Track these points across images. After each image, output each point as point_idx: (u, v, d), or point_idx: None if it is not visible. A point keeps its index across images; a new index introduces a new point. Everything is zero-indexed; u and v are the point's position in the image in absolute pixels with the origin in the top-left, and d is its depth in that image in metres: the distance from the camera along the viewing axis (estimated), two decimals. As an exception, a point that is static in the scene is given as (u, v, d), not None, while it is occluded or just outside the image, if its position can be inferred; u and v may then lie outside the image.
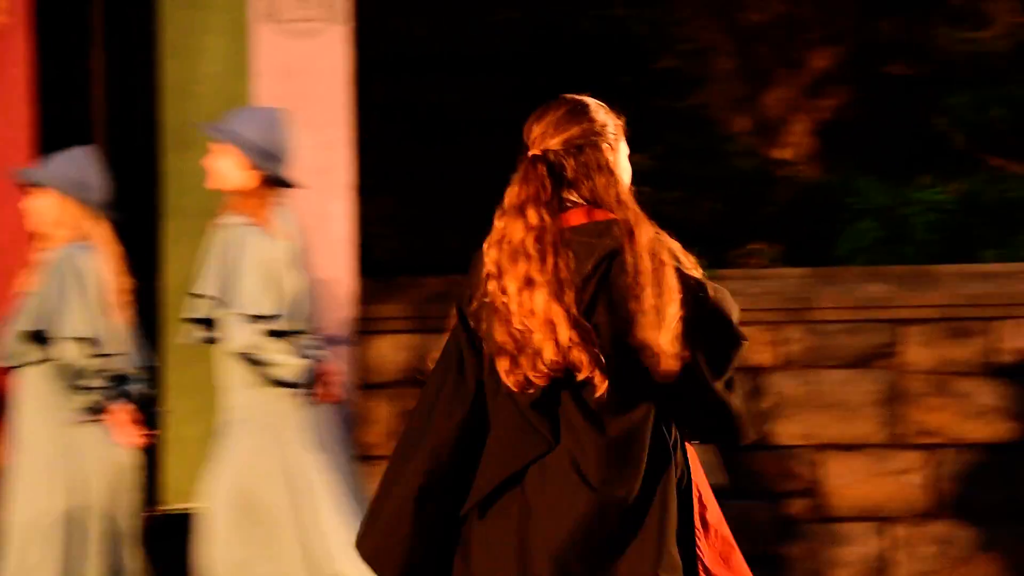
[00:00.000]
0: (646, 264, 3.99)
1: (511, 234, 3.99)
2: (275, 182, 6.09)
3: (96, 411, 6.16)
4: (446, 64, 7.74)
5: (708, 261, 7.83)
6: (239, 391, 6.08)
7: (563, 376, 3.92)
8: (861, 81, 9.26)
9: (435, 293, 7.64)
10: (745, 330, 8.26)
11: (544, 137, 4.02)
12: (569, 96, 4.14)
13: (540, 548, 3.95)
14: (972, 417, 7.80)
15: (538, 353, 3.91)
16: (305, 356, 6.06)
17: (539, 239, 3.97)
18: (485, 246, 4.05)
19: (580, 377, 3.92)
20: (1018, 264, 8.04)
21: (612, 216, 4.04)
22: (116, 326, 6.19)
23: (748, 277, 7.86)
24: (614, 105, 7.97)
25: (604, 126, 4.12)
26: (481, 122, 7.86)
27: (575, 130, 4.06)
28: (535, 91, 7.91)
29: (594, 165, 4.08)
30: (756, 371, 7.68)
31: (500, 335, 3.95)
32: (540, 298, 3.94)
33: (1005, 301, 7.84)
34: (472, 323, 4.03)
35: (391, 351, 7.63)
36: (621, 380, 3.94)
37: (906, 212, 8.12)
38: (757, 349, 7.66)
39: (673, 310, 3.98)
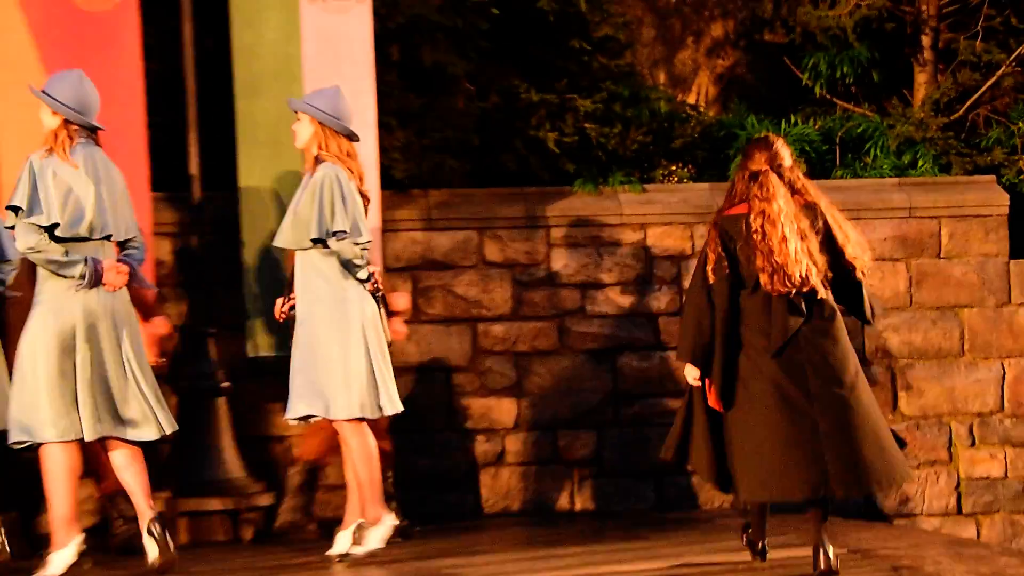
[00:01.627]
0: (837, 218, 5.59)
1: (769, 211, 5.47)
2: (348, 136, 5.94)
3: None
4: (441, 31, 7.63)
5: (639, 178, 7.88)
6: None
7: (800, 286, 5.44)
8: (748, 46, 9.22)
9: (438, 202, 7.60)
10: (666, 228, 8.20)
11: (778, 158, 5.61)
12: (773, 136, 5.77)
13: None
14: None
15: (789, 276, 5.42)
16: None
17: (788, 214, 5.48)
18: (752, 217, 5.48)
19: (807, 288, 5.44)
20: (861, 180, 8.05)
21: (810, 198, 5.59)
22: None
23: (667, 190, 7.82)
24: (568, 63, 7.75)
25: (790, 153, 5.70)
26: (467, 75, 7.78)
27: (790, 151, 5.68)
28: (506, 53, 7.90)
29: (796, 173, 5.63)
30: (677, 258, 7.66)
31: (761, 262, 5.44)
32: (793, 244, 5.43)
33: (852, 207, 7.76)
34: (736, 253, 5.50)
35: (407, 245, 7.57)
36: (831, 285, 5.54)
37: (780, 142, 8.09)
38: (677, 242, 7.66)
39: (854, 238, 5.60)
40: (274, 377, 6.76)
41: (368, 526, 5.90)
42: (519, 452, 7.58)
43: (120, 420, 5.55)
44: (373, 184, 7.03)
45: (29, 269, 5.81)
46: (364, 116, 6.99)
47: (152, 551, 5.57)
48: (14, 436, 5.54)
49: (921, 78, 8.68)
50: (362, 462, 5.87)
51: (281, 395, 6.13)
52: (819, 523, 5.39)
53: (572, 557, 5.96)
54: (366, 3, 6.97)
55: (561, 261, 7.65)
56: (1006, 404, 7.74)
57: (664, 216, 7.67)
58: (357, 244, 5.85)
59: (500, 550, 6.27)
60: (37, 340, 5.47)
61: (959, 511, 7.68)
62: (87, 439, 5.52)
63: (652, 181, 7.87)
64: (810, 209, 5.53)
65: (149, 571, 5.60)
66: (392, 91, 7.40)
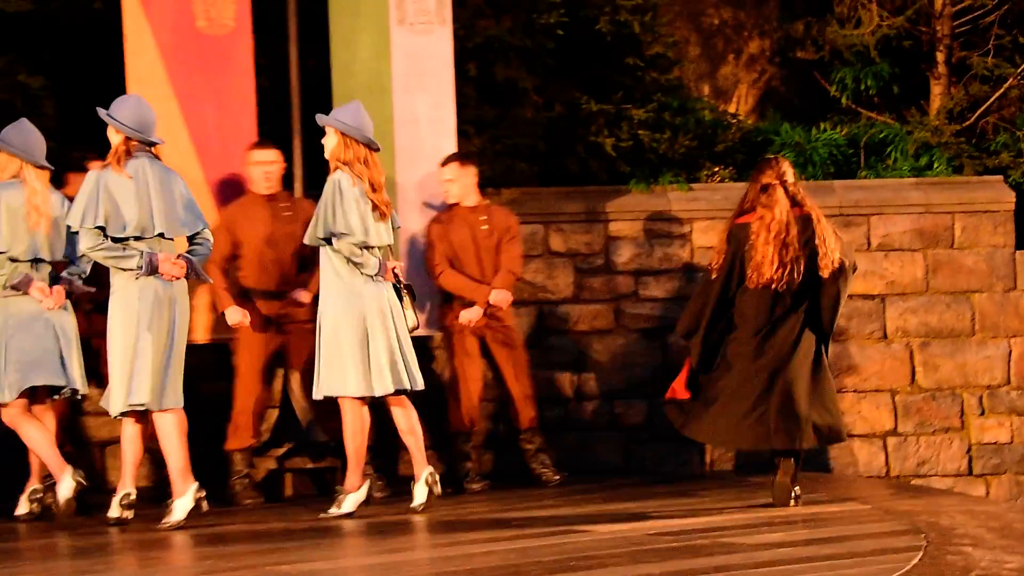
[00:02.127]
0: (825, 230, 5.98)
1: (768, 219, 5.95)
2: (367, 146, 5.90)
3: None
4: (512, 50, 7.71)
5: (686, 178, 7.94)
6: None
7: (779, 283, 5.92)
8: (782, 62, 9.22)
9: (509, 200, 7.57)
10: (709, 223, 8.27)
11: (784, 175, 6.04)
12: (780, 157, 6.19)
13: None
14: (854, 278, 7.84)
15: (762, 274, 5.90)
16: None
17: (782, 223, 5.93)
18: (753, 224, 5.96)
19: (782, 287, 5.92)
20: (883, 179, 8.01)
21: (807, 211, 6.01)
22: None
23: (710, 189, 7.83)
24: (624, 78, 7.81)
25: (793, 171, 6.12)
26: (535, 89, 7.85)
27: (793, 170, 6.09)
28: (569, 69, 7.99)
29: (798, 188, 6.05)
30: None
31: (752, 261, 5.95)
32: (770, 249, 5.91)
33: (875, 203, 7.84)
34: (741, 254, 5.98)
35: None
36: (804, 285, 5.96)
37: (812, 146, 8.07)
38: (719, 235, 7.60)
39: (834, 250, 5.94)
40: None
41: (346, 492, 5.93)
42: (579, 419, 7.63)
43: (173, 393, 5.74)
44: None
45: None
46: (445, 124, 6.99)
47: (114, 513, 5.76)
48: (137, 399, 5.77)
49: (936, 90, 8.66)
50: (353, 437, 5.93)
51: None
52: (787, 467, 6.00)
53: (625, 512, 5.96)
54: (447, 26, 7.00)
55: (617, 251, 7.71)
56: (1012, 378, 7.74)
57: (708, 212, 7.70)
58: (359, 244, 5.83)
59: (562, 504, 6.29)
60: (120, 322, 5.71)
61: (970, 472, 7.68)
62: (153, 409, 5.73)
63: (697, 181, 7.89)
64: (805, 220, 6.02)
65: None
66: (469, 103, 7.48)
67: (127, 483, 5.81)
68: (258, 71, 6.89)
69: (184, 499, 5.74)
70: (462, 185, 6.91)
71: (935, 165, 8.07)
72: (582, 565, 4.74)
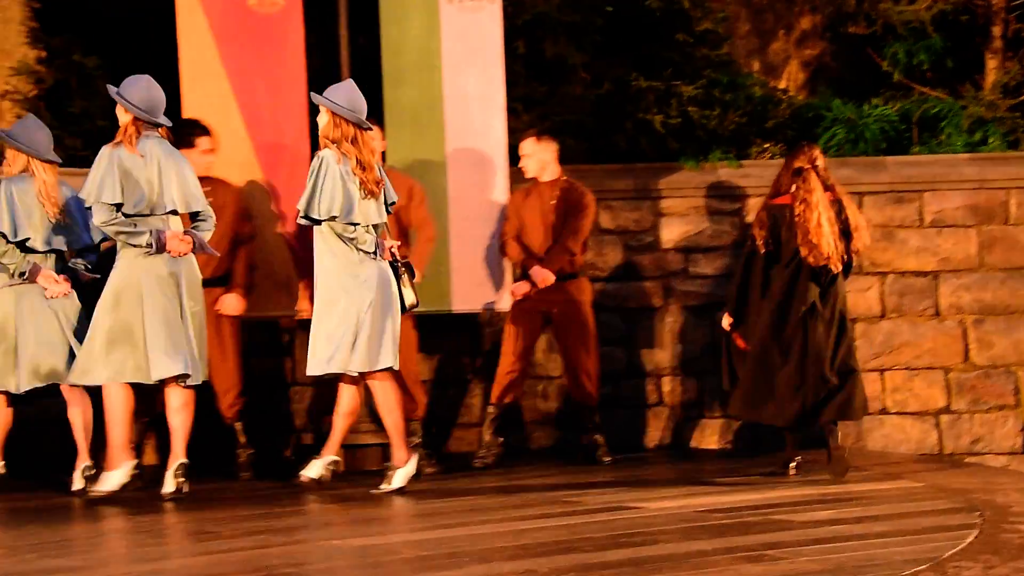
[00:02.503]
0: (854, 213, 6.32)
1: (810, 200, 6.22)
2: (358, 125, 5.85)
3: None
4: (561, 27, 7.69)
5: (736, 155, 7.90)
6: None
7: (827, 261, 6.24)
8: (833, 37, 9.13)
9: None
10: (759, 199, 8.12)
11: (815, 159, 6.31)
12: (811, 144, 6.47)
13: None
14: (906, 255, 7.77)
15: (821, 252, 6.20)
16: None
17: (823, 204, 6.23)
18: (798, 207, 6.27)
19: (830, 264, 6.23)
20: (936, 155, 7.92)
21: (837, 195, 6.32)
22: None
23: (760, 166, 7.75)
24: (673, 54, 7.76)
25: (823, 158, 6.39)
26: (584, 65, 7.81)
27: (823, 157, 6.37)
28: (618, 45, 7.95)
29: (828, 173, 6.32)
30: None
31: (801, 240, 6.20)
32: (826, 228, 6.20)
33: (928, 179, 7.77)
34: (779, 235, 6.28)
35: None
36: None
37: (863, 122, 7.98)
38: None
39: (863, 228, 6.30)
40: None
41: (395, 467, 5.90)
42: (630, 396, 7.63)
43: (190, 364, 5.78)
44: (501, 161, 7.03)
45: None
46: (494, 101, 6.98)
47: (168, 487, 5.80)
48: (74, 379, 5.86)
49: (991, 64, 8.54)
50: (339, 414, 5.96)
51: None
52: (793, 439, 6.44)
53: (674, 488, 5.95)
54: (497, 3, 6.99)
55: (666, 228, 7.70)
56: (1067, 355, 7.69)
57: (757, 188, 7.64)
58: (346, 222, 5.81)
59: (612, 481, 6.30)
60: (109, 296, 5.79)
61: (1024, 451, 7.68)
62: (148, 382, 5.79)
63: (747, 157, 7.82)
64: (836, 204, 6.36)
65: (161, 498, 5.79)
66: (519, 80, 7.50)
67: (179, 453, 5.86)
68: (308, 49, 6.87)
69: (118, 472, 5.81)
70: (538, 160, 6.93)
71: (989, 140, 7.97)
72: (633, 541, 4.74)
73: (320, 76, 7.06)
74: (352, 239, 5.86)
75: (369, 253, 5.88)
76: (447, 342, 7.52)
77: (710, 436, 7.63)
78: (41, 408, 6.30)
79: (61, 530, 5.36)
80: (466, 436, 7.54)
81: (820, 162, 6.40)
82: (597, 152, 7.76)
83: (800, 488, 5.96)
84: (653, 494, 5.83)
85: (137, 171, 5.79)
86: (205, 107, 6.77)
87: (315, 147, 6.96)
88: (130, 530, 5.31)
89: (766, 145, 7.90)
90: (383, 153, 6.79)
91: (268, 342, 7.30)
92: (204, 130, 6.55)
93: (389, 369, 5.92)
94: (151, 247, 5.78)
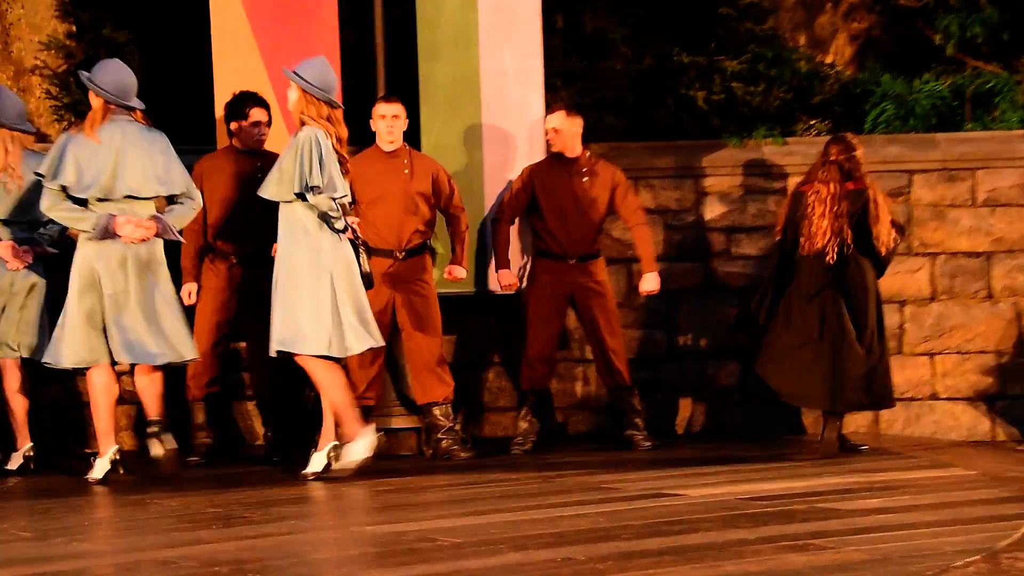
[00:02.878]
0: (880, 206, 6.57)
1: (822, 192, 6.58)
2: (328, 103, 5.86)
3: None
4: (603, 1, 7.61)
5: (781, 132, 7.78)
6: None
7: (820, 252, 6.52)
8: (883, 10, 8.99)
9: (597, 155, 7.48)
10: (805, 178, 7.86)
11: (838, 153, 6.63)
12: (850, 135, 6.80)
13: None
14: (958, 235, 7.64)
15: (814, 243, 6.52)
16: None
17: (833, 196, 6.57)
18: (809, 196, 6.61)
19: (828, 254, 6.50)
20: (990, 132, 7.79)
21: (862, 186, 6.63)
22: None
23: (806, 143, 7.64)
24: (716, 28, 7.70)
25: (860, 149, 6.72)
26: (624, 40, 7.71)
27: (860, 148, 6.68)
28: (660, 20, 7.84)
29: (856, 164, 6.66)
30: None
31: (803, 230, 6.58)
32: (825, 221, 6.54)
33: (981, 157, 7.65)
34: (795, 220, 6.61)
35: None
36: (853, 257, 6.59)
37: (914, 98, 7.85)
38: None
39: (890, 231, 6.59)
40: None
41: (347, 443, 5.93)
42: (670, 379, 7.59)
43: (144, 348, 5.88)
44: (539, 139, 7.03)
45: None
46: (532, 77, 6.97)
47: (155, 449, 5.94)
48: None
49: (1048, 37, 8.41)
50: (333, 392, 5.94)
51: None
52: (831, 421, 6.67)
53: (717, 475, 5.90)
54: (535, -24, 6.96)
55: (708, 208, 7.63)
56: (1125, 339, 7.56)
57: (803, 167, 7.48)
58: (333, 199, 5.83)
59: (652, 468, 6.26)
60: (72, 281, 5.91)
61: (1081, 438, 7.53)
62: (116, 363, 5.95)
63: (793, 135, 7.71)
64: (858, 195, 6.63)
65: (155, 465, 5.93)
66: (557, 55, 7.45)
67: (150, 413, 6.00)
68: (342, 24, 6.86)
69: (104, 459, 5.94)
70: (568, 136, 6.88)
71: (1046, 116, 7.84)
72: (673, 529, 4.69)
73: (354, 51, 7.04)
74: (334, 218, 5.88)
75: (340, 231, 5.92)
76: (480, 323, 7.49)
77: (754, 421, 7.54)
78: (66, 388, 6.34)
79: (87, 513, 5.35)
80: (501, 421, 7.51)
81: (851, 153, 6.68)
82: (638, 129, 7.72)
83: (846, 475, 5.90)
84: (694, 481, 5.80)
85: (89, 156, 5.83)
86: (236, 82, 6.76)
87: (351, 118, 6.96)
88: (160, 514, 5.30)
89: (812, 122, 7.80)
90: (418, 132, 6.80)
91: None
92: (258, 101, 6.59)
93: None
94: (94, 231, 5.82)
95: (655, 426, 7.19)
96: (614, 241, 7.51)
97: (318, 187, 5.84)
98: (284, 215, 5.97)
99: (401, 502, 5.46)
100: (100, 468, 5.94)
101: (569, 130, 6.86)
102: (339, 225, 5.90)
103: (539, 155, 7.04)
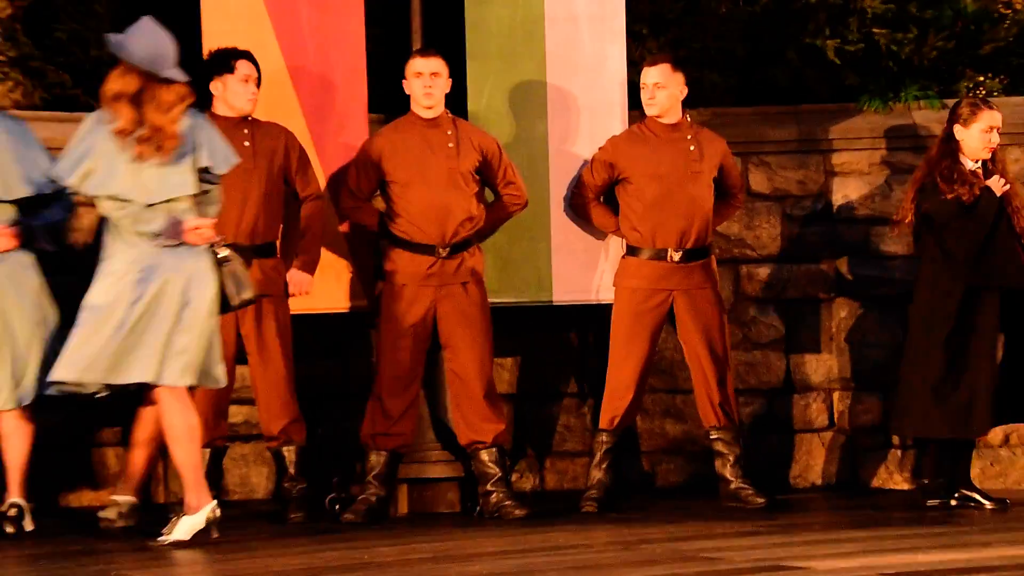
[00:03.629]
0: None
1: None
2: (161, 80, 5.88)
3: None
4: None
5: (939, 92, 7.60)
6: None
7: None
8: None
9: (696, 123, 7.43)
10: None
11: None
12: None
13: None
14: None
15: None
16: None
17: None
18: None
19: None
20: None
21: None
22: None
23: (973, 105, 7.61)
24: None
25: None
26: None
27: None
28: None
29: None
30: (984, 187, 7.49)
31: None
32: None
33: None
34: None
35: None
36: None
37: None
38: None
39: None
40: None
41: (183, 514, 6.01)
42: (788, 416, 7.57)
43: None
44: (620, 102, 7.08)
45: None
46: (611, 24, 7.08)
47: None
48: None
49: None
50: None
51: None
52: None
53: (852, 542, 5.86)
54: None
55: (842, 192, 7.58)
56: None
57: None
58: (105, 195, 5.87)
59: (765, 532, 6.23)
60: None
61: None
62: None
63: (954, 96, 7.61)
64: None
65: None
66: None
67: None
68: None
69: None
70: (671, 95, 6.91)
71: None
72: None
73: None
74: (120, 217, 5.92)
75: (153, 237, 5.91)
76: (544, 344, 7.52)
77: (897, 471, 7.47)
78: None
79: None
80: (569, 469, 7.54)
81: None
82: (748, 90, 7.72)
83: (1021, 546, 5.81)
84: (820, 551, 5.73)
85: None
86: (230, 31, 6.79)
87: (376, 77, 6.86)
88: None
89: (980, 78, 7.75)
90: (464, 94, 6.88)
91: (314, 342, 7.32)
92: (246, 54, 6.67)
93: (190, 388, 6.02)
94: None
95: (769, 477, 7.20)
96: (716, 236, 7.41)
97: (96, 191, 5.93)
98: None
99: (439, 574, 5.41)
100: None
101: (673, 88, 6.88)
102: (144, 226, 5.90)
103: (619, 125, 7.09)
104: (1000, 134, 7.37)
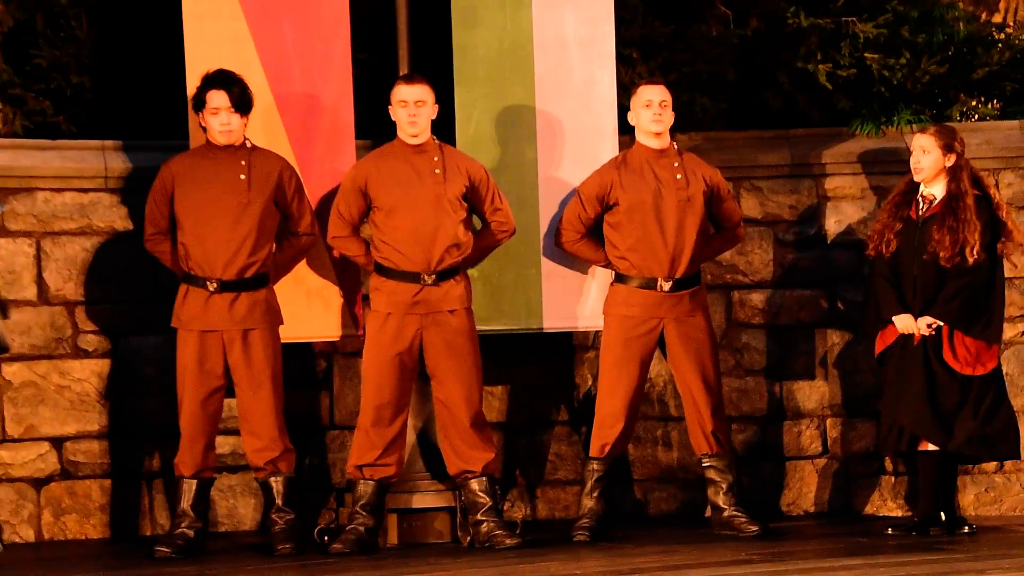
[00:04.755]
0: None
1: None
2: None
3: None
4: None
5: (931, 116, 7.61)
6: None
7: None
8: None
9: (686, 147, 7.45)
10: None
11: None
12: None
13: None
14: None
15: None
16: None
17: None
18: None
19: None
20: None
21: None
22: None
23: (967, 130, 7.50)
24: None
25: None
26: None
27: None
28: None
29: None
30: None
31: None
32: None
33: None
34: None
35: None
36: None
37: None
38: None
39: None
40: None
41: None
42: (781, 443, 7.52)
43: None
44: (610, 127, 7.07)
45: None
46: (601, 48, 7.06)
47: None
48: None
49: None
50: None
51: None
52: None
53: (848, 570, 5.82)
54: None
55: (834, 216, 7.57)
56: None
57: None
58: None
59: (759, 560, 6.18)
60: None
61: None
62: None
63: (947, 119, 7.65)
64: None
65: None
66: (634, 17, 7.48)
67: None
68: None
69: None
70: (672, 115, 6.94)
71: None
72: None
73: (367, 15, 6.94)
74: None
75: None
76: (534, 372, 7.50)
77: (891, 498, 7.46)
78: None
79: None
80: (561, 498, 7.51)
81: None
82: (740, 114, 7.73)
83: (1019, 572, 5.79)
84: None
85: None
86: (213, 56, 6.77)
87: (363, 101, 6.85)
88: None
89: (973, 103, 7.80)
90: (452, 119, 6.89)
91: (299, 371, 7.30)
92: (219, 82, 6.64)
93: None
94: None
95: (762, 505, 7.17)
96: (708, 262, 7.42)
97: None
98: None
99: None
100: None
101: (669, 111, 6.93)
102: None
103: (611, 150, 7.07)
104: (993, 158, 7.38)
